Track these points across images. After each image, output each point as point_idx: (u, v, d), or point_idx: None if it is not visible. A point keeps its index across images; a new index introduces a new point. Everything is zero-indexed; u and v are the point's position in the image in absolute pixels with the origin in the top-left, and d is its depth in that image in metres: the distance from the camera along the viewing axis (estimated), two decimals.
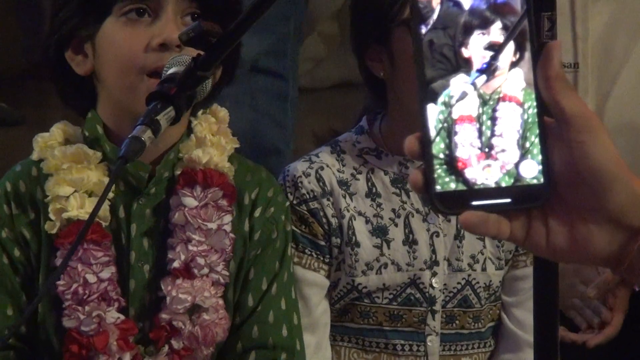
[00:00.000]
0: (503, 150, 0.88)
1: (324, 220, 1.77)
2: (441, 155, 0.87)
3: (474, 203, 0.87)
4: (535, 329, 1.42)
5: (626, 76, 2.02)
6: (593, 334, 1.97)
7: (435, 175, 0.87)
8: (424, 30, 0.88)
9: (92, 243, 1.59)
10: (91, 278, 1.58)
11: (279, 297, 1.68)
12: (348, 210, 1.77)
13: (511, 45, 0.88)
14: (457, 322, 1.80)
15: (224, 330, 1.63)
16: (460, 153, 0.87)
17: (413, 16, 0.88)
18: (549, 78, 0.87)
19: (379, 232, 1.77)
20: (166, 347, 1.61)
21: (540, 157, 0.88)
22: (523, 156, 0.88)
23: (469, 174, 0.87)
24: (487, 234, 0.88)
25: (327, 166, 1.79)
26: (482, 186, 0.87)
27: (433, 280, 1.77)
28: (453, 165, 0.87)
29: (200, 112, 1.69)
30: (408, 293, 1.77)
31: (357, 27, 1.81)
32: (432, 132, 0.87)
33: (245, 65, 2.29)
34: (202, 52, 1.25)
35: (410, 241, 1.77)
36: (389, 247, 1.77)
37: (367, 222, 1.77)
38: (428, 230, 1.78)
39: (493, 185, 0.87)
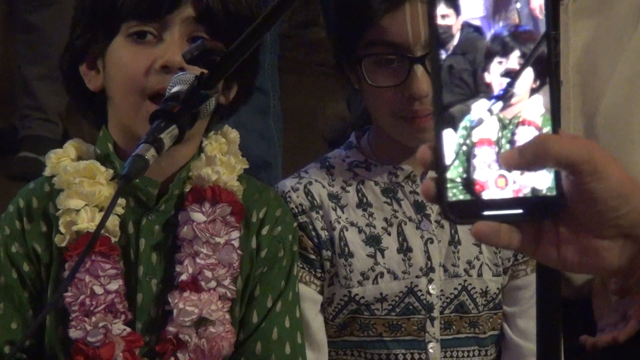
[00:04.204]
0: (521, 174, 0.89)
1: (313, 233, 1.77)
2: (458, 179, 0.88)
3: (486, 213, 0.88)
4: (538, 335, 1.42)
5: (612, 92, 1.99)
6: (610, 333, 1.88)
7: (448, 185, 0.88)
8: (443, 55, 0.89)
9: (100, 255, 1.60)
10: (98, 290, 1.59)
11: (284, 315, 1.69)
12: (339, 222, 1.78)
13: (531, 72, 0.89)
14: (453, 327, 1.79)
15: (230, 344, 1.64)
16: (478, 175, 0.89)
17: (431, 43, 0.90)
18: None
19: (372, 241, 1.78)
20: None
21: (553, 169, 0.88)
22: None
23: (485, 193, 0.88)
24: (499, 245, 0.88)
25: (316, 181, 1.80)
26: (494, 196, 0.88)
27: (430, 287, 1.77)
28: (470, 188, 0.88)
29: (212, 133, 1.71)
30: (406, 302, 1.77)
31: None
32: (448, 153, 0.89)
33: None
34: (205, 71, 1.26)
35: (404, 249, 1.77)
36: (383, 256, 1.77)
37: (359, 231, 1.78)
38: (422, 237, 1.78)
39: (505, 195, 0.88)
